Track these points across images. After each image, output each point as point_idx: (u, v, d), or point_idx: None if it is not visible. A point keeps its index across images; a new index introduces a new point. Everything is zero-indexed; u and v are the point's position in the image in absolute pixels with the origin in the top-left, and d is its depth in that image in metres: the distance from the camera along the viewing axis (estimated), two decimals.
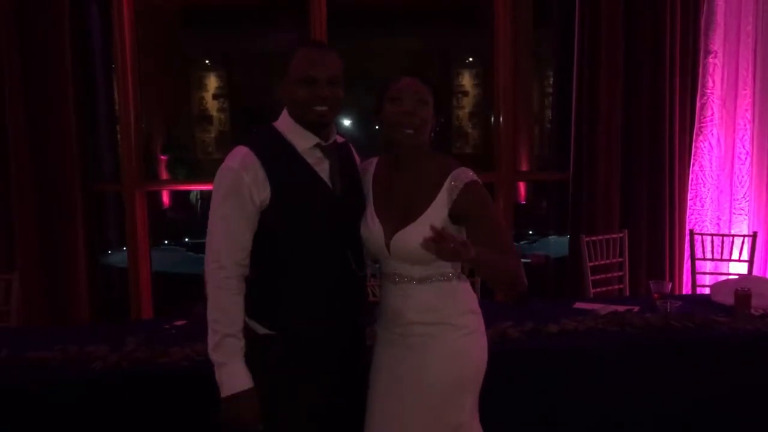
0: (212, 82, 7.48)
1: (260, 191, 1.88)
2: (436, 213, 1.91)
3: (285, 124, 1.98)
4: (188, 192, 7.55)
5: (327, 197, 1.96)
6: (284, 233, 1.93)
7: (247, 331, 1.94)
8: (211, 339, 1.89)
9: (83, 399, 2.46)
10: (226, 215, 1.89)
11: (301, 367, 1.94)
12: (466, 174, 1.93)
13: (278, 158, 1.93)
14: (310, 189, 1.95)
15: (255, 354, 1.92)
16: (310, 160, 1.95)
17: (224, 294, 1.89)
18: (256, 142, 1.95)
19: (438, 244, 1.68)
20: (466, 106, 7.75)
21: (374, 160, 2.10)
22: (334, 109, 1.95)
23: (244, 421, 1.89)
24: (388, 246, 1.95)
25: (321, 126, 1.96)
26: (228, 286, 1.89)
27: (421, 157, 1.98)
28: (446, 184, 1.91)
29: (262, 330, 1.95)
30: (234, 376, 1.88)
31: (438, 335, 1.96)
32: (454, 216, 1.92)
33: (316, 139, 1.96)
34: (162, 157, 7.14)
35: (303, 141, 1.95)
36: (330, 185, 1.97)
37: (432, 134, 1.99)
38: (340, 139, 2.07)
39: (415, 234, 1.86)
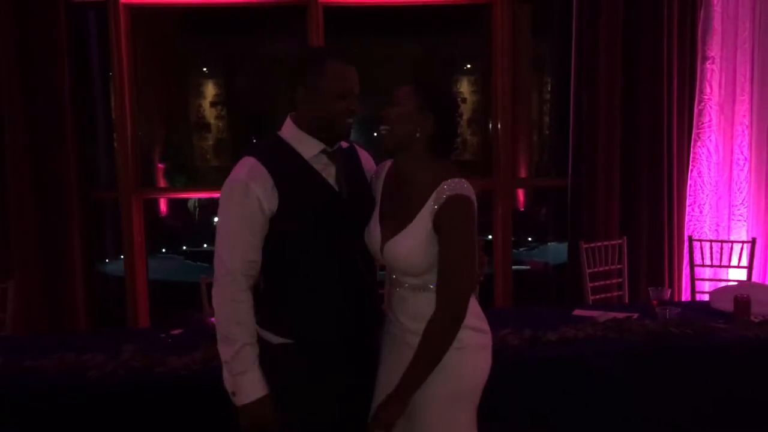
0: (210, 90, 7.48)
1: (270, 201, 1.89)
2: (423, 223, 1.87)
3: (290, 132, 1.99)
4: (186, 199, 7.53)
5: (335, 201, 1.98)
6: (293, 238, 1.94)
7: (260, 342, 1.95)
8: (227, 350, 1.91)
9: (79, 408, 2.45)
10: (235, 228, 1.90)
11: (316, 374, 1.96)
12: (458, 186, 1.85)
13: (286, 167, 1.94)
14: (318, 195, 1.96)
15: (269, 364, 1.94)
16: (317, 167, 1.97)
17: (239, 307, 1.91)
18: (262, 152, 1.96)
19: None
20: (464, 112, 7.74)
21: (388, 164, 2.08)
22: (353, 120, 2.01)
23: (264, 426, 1.92)
24: (382, 252, 1.96)
25: (347, 138, 2.02)
26: (241, 299, 1.91)
27: (418, 166, 1.92)
28: (435, 192, 1.85)
29: (276, 339, 1.96)
30: (253, 384, 1.91)
31: None
32: (436, 227, 1.86)
33: (322, 146, 1.97)
34: (160, 165, 7.11)
35: (309, 149, 1.97)
36: (337, 189, 1.98)
37: (430, 140, 1.92)
38: (344, 144, 2.08)
39: (402, 244, 1.89)
